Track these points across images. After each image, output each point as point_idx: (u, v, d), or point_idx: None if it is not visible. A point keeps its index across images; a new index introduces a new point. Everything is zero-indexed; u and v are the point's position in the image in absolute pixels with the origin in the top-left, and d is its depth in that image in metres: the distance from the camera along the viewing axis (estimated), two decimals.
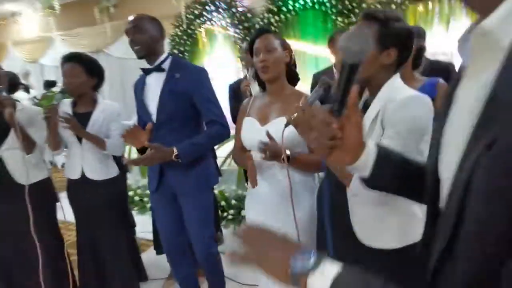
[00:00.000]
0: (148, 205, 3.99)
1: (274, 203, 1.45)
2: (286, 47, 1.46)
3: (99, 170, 2.07)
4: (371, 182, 0.72)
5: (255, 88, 2.64)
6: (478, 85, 0.44)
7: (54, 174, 3.39)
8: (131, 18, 1.72)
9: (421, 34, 2.14)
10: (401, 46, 1.06)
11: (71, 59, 1.96)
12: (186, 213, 1.82)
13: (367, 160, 0.67)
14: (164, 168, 1.78)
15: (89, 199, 2.06)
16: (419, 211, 1.07)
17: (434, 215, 0.57)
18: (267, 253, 0.57)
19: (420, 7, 4.17)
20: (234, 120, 2.20)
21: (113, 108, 2.08)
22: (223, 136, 1.75)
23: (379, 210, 1.09)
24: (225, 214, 3.36)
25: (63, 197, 2.13)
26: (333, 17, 4.47)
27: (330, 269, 0.51)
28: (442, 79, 1.78)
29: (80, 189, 2.06)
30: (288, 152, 1.34)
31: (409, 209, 1.08)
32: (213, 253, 1.88)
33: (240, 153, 1.57)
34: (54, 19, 6.46)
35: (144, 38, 1.69)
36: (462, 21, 4.02)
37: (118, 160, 2.22)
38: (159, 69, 1.74)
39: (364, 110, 1.18)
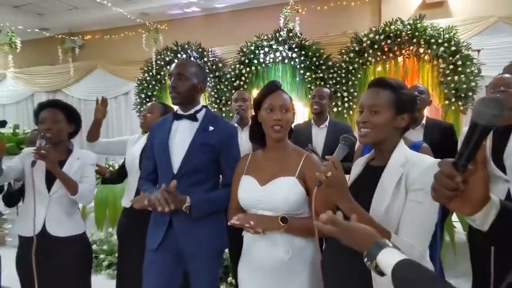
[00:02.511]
0: (104, 264, 3.57)
1: (270, 268, 1.36)
2: (293, 107, 1.45)
3: (65, 225, 1.86)
4: (489, 236, 0.73)
5: (241, 136, 2.59)
6: None
7: None
8: (176, 63, 1.66)
9: (424, 91, 2.23)
10: (411, 111, 1.13)
11: (52, 105, 1.90)
12: (194, 279, 1.64)
13: (488, 213, 0.70)
14: (173, 220, 1.59)
15: (48, 260, 1.79)
16: None
17: None
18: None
19: (379, 68, 4.60)
20: None
21: (89, 156, 2.01)
22: None
23: None
24: None
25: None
26: (301, 71, 4.72)
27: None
28: (426, 144, 1.73)
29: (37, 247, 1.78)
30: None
31: None
32: None
33: (236, 213, 1.46)
34: (12, 55, 6.11)
35: (186, 86, 1.60)
36: (415, 82, 4.47)
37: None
38: (192, 117, 1.65)
39: (367, 170, 1.21)
